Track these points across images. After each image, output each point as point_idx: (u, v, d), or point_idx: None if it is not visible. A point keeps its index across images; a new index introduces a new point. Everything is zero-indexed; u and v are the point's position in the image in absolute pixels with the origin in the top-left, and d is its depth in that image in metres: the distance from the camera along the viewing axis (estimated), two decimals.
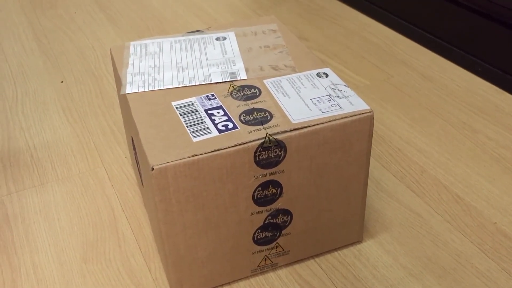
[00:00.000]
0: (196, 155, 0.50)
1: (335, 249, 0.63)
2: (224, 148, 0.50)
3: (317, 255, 0.62)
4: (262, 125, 0.52)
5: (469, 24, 0.93)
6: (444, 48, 0.99)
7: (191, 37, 0.68)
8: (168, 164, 0.49)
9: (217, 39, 0.68)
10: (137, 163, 0.63)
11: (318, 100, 0.56)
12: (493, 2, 0.87)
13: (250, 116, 0.54)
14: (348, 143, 0.55)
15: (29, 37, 1.15)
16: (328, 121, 0.53)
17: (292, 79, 0.59)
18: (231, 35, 0.68)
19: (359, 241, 0.64)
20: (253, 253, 0.58)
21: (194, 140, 0.51)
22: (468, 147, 0.77)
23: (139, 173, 0.64)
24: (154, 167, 0.49)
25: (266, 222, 0.56)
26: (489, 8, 0.89)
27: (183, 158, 0.49)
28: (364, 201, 0.60)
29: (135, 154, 0.63)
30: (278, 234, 0.58)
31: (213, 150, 0.50)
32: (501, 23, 0.87)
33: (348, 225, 0.61)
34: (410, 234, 0.64)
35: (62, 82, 0.99)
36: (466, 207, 0.68)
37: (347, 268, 0.60)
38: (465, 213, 0.67)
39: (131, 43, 0.68)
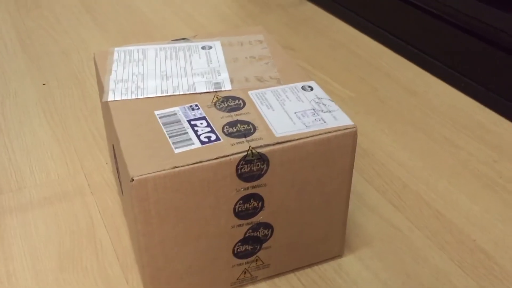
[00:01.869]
0: (178, 166, 0.49)
1: (316, 263, 0.62)
2: (206, 161, 0.50)
3: (297, 269, 0.62)
4: (245, 137, 0.52)
5: (454, 40, 0.94)
6: (429, 62, 0.99)
7: (177, 45, 0.68)
8: (149, 175, 0.48)
9: (203, 48, 0.67)
10: (118, 171, 0.62)
11: (302, 114, 0.55)
12: (478, 20, 0.88)
13: (234, 128, 0.53)
14: (331, 158, 0.55)
15: (12, 37, 1.13)
16: (312, 136, 0.53)
17: (277, 91, 0.59)
18: (217, 44, 0.68)
19: (339, 255, 0.63)
20: (232, 266, 0.58)
21: (176, 151, 0.51)
22: (450, 163, 0.78)
23: (119, 181, 0.63)
24: (134, 178, 0.48)
25: (246, 235, 0.56)
26: (473, 25, 0.90)
27: (164, 170, 0.49)
28: (345, 216, 0.60)
29: (116, 162, 0.62)
30: (258, 248, 0.57)
31: (195, 162, 0.49)
32: (485, 40, 0.88)
33: (329, 239, 0.61)
34: (390, 250, 0.64)
35: (44, 84, 0.97)
36: (447, 223, 0.68)
37: (327, 283, 0.60)
38: (446, 230, 0.67)
39: (115, 49, 0.67)
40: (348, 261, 0.63)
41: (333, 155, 0.55)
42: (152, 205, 0.50)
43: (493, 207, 0.70)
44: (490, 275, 0.61)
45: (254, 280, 0.60)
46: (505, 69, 0.86)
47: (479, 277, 0.61)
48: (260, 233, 0.56)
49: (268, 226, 0.56)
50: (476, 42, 0.90)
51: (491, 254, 0.64)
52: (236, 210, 0.53)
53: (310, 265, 0.62)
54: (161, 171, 0.48)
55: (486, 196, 0.72)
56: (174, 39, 0.69)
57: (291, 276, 0.61)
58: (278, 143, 0.52)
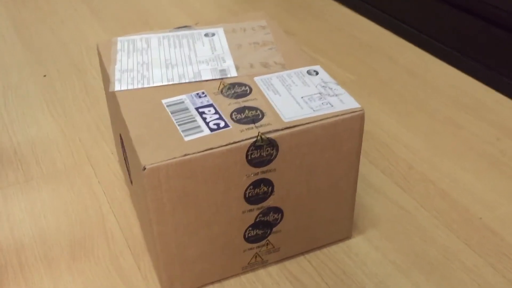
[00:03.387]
0: (188, 154, 0.49)
1: (325, 246, 0.63)
2: (216, 147, 0.50)
3: (307, 252, 0.62)
4: (254, 123, 0.52)
5: (454, 20, 0.94)
6: (429, 43, 0.99)
7: (179, 32, 0.68)
8: (160, 163, 0.49)
9: (206, 35, 0.67)
10: (126, 161, 0.62)
11: (309, 98, 0.56)
12: None
13: (242, 114, 0.54)
14: (339, 142, 0.55)
15: (9, 29, 1.12)
16: (320, 120, 0.53)
17: (283, 76, 0.59)
18: (219, 31, 0.68)
19: (348, 237, 0.64)
20: (244, 251, 0.58)
21: (186, 139, 0.51)
22: (453, 143, 0.78)
23: (128, 171, 0.63)
24: (146, 167, 0.48)
25: (257, 220, 0.56)
26: (473, 4, 0.89)
27: (175, 158, 0.49)
28: (353, 199, 0.61)
29: (124, 151, 0.62)
30: (269, 232, 0.58)
31: (205, 149, 0.50)
32: (485, 19, 0.88)
33: (338, 221, 0.62)
34: (398, 230, 0.65)
35: (45, 76, 0.97)
36: (453, 202, 0.69)
37: (337, 265, 0.61)
38: (452, 209, 0.68)
39: (118, 38, 0.67)
40: (356, 243, 0.63)
41: (341, 139, 0.55)
42: (164, 193, 0.50)
43: (497, 185, 0.71)
44: (497, 251, 0.62)
45: (265, 263, 0.61)
46: (506, 48, 0.86)
47: (487, 254, 0.62)
48: (271, 217, 0.57)
49: (278, 210, 0.57)
50: (476, 21, 0.90)
51: (497, 231, 0.64)
52: (247, 196, 0.54)
53: (319, 248, 0.63)
54: (172, 159, 0.49)
55: (490, 174, 0.73)
56: (175, 27, 0.69)
57: (301, 258, 0.62)
58: (286, 128, 0.52)
